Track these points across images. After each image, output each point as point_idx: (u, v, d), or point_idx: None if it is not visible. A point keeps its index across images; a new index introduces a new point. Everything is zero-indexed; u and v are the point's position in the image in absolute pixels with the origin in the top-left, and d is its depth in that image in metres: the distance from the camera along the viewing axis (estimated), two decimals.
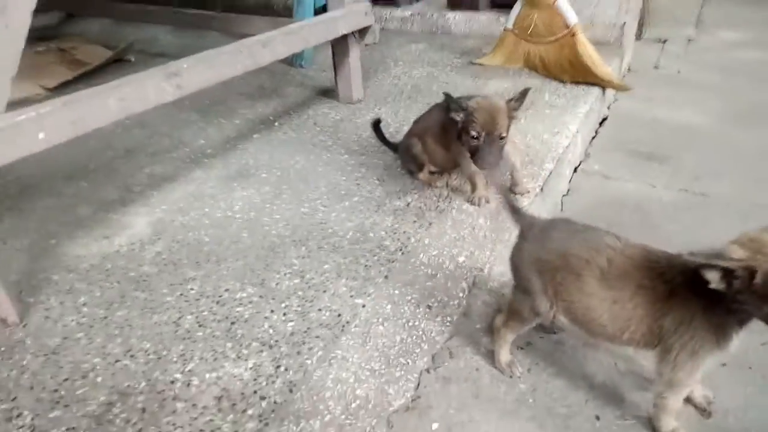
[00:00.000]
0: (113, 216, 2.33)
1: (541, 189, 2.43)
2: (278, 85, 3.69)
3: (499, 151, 2.07)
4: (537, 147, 2.69)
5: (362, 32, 3.18)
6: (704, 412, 1.53)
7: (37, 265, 2.04)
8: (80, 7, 4.90)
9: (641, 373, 1.64)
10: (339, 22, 2.95)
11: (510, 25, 3.65)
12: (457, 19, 4.53)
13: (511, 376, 1.63)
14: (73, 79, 3.82)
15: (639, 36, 4.71)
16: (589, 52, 3.34)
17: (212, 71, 2.28)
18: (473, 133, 2.05)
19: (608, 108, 3.60)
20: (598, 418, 1.52)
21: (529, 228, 1.55)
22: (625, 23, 3.84)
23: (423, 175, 2.44)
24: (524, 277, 1.51)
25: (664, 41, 4.80)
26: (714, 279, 1.18)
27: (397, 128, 2.90)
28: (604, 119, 3.47)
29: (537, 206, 2.34)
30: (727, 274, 1.17)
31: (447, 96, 2.13)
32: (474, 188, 2.28)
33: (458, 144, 2.20)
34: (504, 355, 1.64)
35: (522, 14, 3.58)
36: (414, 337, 1.70)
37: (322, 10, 3.41)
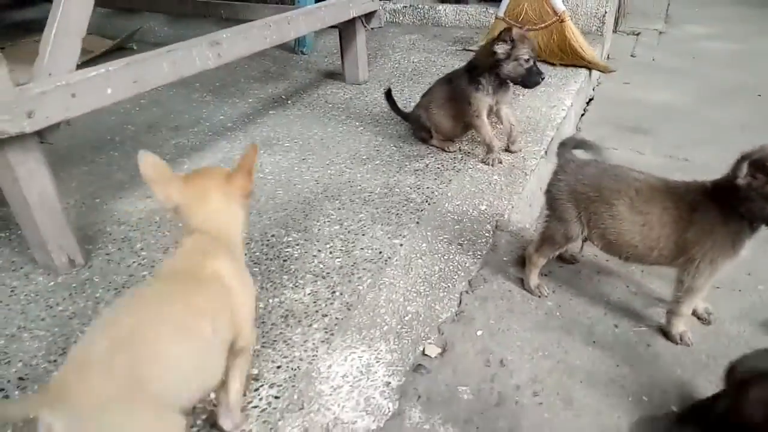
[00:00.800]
0: None
1: (546, 153, 2.67)
2: (284, 69, 3.87)
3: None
4: (537, 118, 2.94)
5: (368, 17, 3.39)
6: (705, 320, 1.77)
7: (88, 220, 2.18)
8: None
9: (649, 294, 1.88)
10: (350, 5, 3.16)
11: (501, 14, 3.91)
12: (447, 10, 4.78)
13: (539, 296, 1.86)
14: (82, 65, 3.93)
15: (615, 29, 5.04)
16: (577, 37, 3.62)
17: (247, 42, 2.46)
18: (526, 56, 2.35)
19: (593, 90, 3.88)
20: (616, 326, 1.75)
21: (567, 164, 1.78)
22: (606, 13, 4.14)
23: (437, 141, 2.65)
24: (560, 206, 1.73)
25: (638, 33, 5.15)
26: (743, 172, 1.40)
27: (402, 105, 3.11)
28: (591, 99, 3.75)
29: (542, 168, 2.58)
30: (758, 167, 1.38)
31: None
32: (490, 150, 2.51)
33: (470, 108, 2.44)
34: (533, 278, 1.87)
35: (512, 3, 3.84)
36: (451, 267, 1.91)
37: None
